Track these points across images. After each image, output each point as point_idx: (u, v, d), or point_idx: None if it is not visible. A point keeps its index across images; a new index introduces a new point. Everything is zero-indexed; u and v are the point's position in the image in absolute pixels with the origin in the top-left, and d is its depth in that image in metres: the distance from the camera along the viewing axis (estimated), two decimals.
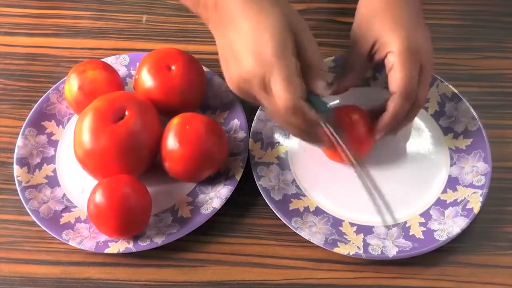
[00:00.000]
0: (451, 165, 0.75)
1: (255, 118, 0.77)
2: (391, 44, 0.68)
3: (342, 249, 0.68)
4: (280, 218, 0.71)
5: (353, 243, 0.69)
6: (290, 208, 0.72)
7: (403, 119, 0.70)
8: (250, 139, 0.75)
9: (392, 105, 0.68)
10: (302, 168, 0.75)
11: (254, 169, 0.73)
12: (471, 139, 0.75)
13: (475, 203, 0.71)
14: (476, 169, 0.73)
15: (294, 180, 0.75)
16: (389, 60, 0.68)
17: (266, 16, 0.63)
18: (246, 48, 0.63)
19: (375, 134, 0.71)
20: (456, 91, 0.78)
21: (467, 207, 0.71)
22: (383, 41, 0.68)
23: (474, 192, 0.72)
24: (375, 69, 0.77)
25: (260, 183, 0.73)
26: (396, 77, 0.67)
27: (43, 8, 0.91)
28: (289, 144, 0.77)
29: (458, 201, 0.72)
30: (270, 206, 0.71)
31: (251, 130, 0.76)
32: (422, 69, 0.68)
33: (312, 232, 0.70)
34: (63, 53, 0.86)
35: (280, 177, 0.74)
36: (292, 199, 0.73)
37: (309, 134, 0.67)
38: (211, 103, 0.80)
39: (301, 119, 0.64)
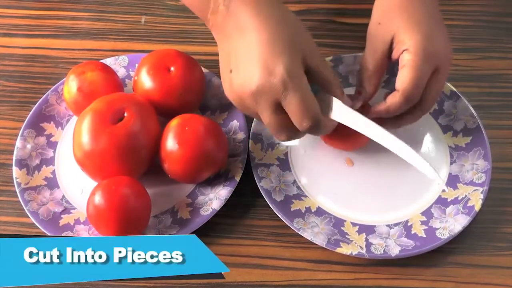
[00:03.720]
0: (451, 163, 0.75)
1: (254, 119, 0.77)
2: (408, 43, 0.66)
3: (345, 249, 0.68)
4: (282, 219, 0.70)
5: (355, 243, 0.69)
6: (292, 209, 0.72)
7: (404, 118, 0.70)
8: (250, 141, 0.75)
9: (390, 99, 0.67)
10: (303, 169, 0.75)
11: (255, 171, 0.73)
12: (471, 137, 0.75)
13: (476, 201, 0.71)
14: (476, 167, 0.73)
15: (295, 181, 0.74)
16: (403, 58, 0.66)
17: (280, 29, 0.62)
18: (256, 60, 0.61)
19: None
20: (454, 89, 0.78)
21: (468, 204, 0.71)
22: (400, 39, 0.67)
23: (474, 190, 0.72)
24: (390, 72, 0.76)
25: (261, 185, 0.72)
26: (404, 76, 0.66)
27: (42, 9, 0.91)
28: (289, 145, 0.77)
29: (459, 199, 0.72)
30: (272, 208, 0.71)
31: (251, 132, 0.76)
32: (435, 73, 0.67)
33: (315, 233, 0.70)
34: (62, 54, 0.86)
35: (280, 178, 0.74)
36: (293, 200, 0.73)
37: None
38: (210, 104, 0.80)
39: (317, 130, 0.64)
